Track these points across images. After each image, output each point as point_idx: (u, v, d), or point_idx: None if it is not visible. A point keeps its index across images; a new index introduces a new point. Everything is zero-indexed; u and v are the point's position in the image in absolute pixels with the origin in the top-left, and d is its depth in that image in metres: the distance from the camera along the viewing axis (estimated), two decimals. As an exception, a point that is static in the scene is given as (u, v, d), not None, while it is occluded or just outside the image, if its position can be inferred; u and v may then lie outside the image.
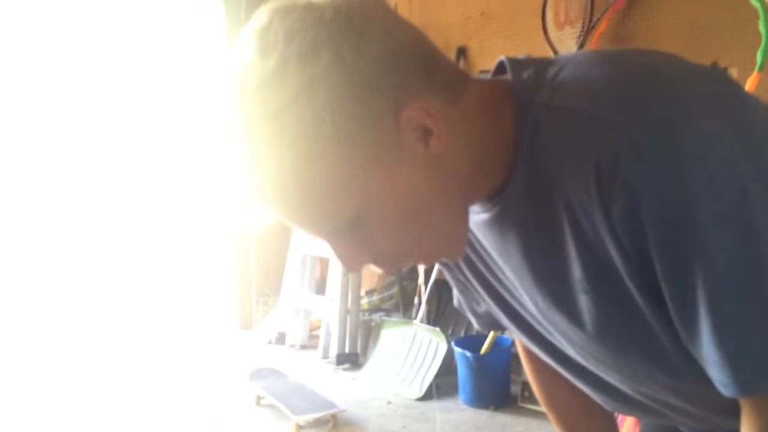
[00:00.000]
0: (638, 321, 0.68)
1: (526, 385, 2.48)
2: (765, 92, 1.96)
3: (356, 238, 0.69)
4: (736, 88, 0.69)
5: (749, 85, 1.93)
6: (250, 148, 0.64)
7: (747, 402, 0.64)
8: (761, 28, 1.92)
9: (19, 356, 3.22)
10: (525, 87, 0.70)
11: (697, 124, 0.59)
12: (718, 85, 0.67)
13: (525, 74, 0.71)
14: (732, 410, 0.66)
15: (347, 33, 0.63)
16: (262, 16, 0.66)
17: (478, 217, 0.76)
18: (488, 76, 0.78)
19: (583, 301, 0.70)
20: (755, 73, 1.93)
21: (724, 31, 2.09)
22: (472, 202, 0.75)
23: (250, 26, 0.66)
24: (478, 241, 0.81)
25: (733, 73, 2.08)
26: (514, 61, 0.73)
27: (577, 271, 0.68)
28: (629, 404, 0.84)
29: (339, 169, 0.64)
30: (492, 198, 0.73)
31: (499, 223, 0.74)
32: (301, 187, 0.65)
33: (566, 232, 0.67)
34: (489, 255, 0.81)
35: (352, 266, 0.72)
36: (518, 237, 0.73)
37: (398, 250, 0.72)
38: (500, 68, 0.76)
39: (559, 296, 0.73)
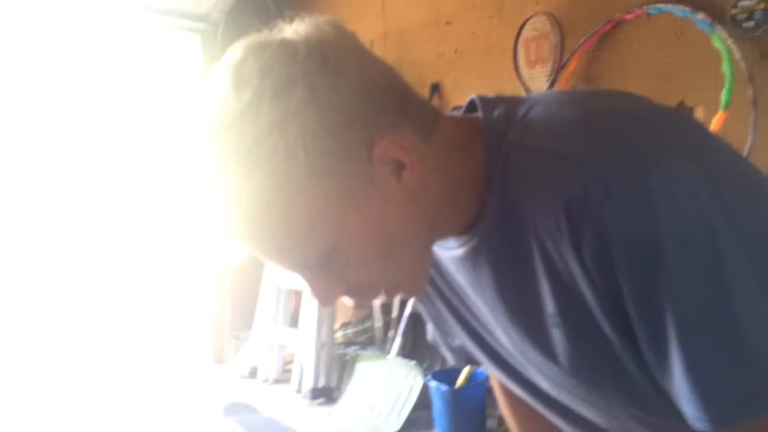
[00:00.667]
0: (610, 355, 0.69)
1: (501, 420, 2.47)
2: (730, 130, 2.03)
3: (330, 271, 0.70)
4: (700, 127, 0.72)
5: (715, 123, 1.99)
6: (223, 182, 0.65)
7: None
8: (724, 69, 1.99)
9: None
10: (496, 125, 0.72)
11: (665, 163, 0.61)
12: (683, 125, 0.70)
13: (495, 113, 0.73)
14: None
15: (321, 70, 0.64)
16: (236, 51, 0.67)
17: (450, 252, 0.78)
18: (459, 113, 0.80)
19: (556, 336, 0.71)
20: (720, 111, 2.00)
21: (690, 72, 2.17)
22: (441, 237, 0.76)
23: (224, 61, 0.67)
24: (451, 276, 0.82)
25: (699, 111, 2.15)
26: (484, 100, 0.76)
27: (549, 306, 0.70)
28: None
29: (312, 204, 0.65)
30: (464, 233, 0.75)
31: (472, 257, 0.75)
32: (274, 221, 0.66)
33: (538, 267, 0.68)
34: (462, 289, 0.82)
35: (327, 299, 0.72)
36: (491, 271, 0.74)
37: (371, 282, 0.73)
38: (471, 106, 0.78)
39: (532, 330, 0.74)
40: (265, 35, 0.68)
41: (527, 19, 2.59)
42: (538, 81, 2.57)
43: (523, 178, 0.68)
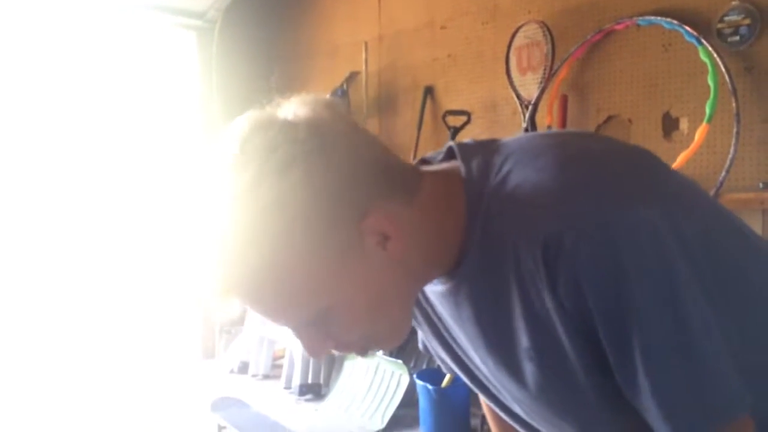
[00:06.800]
0: (576, 387, 0.79)
1: (485, 419, 2.52)
2: (713, 142, 2.08)
3: (321, 328, 0.77)
4: (665, 168, 0.79)
5: (698, 136, 2.04)
6: (226, 251, 0.71)
7: None
8: (710, 81, 2.04)
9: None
10: (475, 177, 0.80)
11: (631, 211, 0.69)
12: (649, 168, 0.78)
13: (474, 164, 0.79)
14: None
15: (318, 152, 0.71)
16: (242, 126, 0.73)
17: (435, 288, 0.85)
18: (439, 157, 0.86)
19: (528, 368, 0.80)
20: (704, 124, 2.05)
21: (676, 83, 2.22)
22: (425, 284, 0.83)
23: (230, 133, 0.74)
24: (437, 307, 0.89)
25: (683, 123, 2.20)
26: (462, 148, 0.83)
27: (524, 341, 0.78)
28: None
29: (309, 273, 0.72)
30: (447, 273, 0.81)
31: (454, 294, 0.83)
32: (274, 288, 0.73)
33: (515, 306, 0.76)
34: (446, 320, 0.89)
35: (317, 353, 0.80)
36: (471, 308, 0.82)
37: (358, 337, 0.79)
38: (450, 152, 0.85)
39: (508, 362, 0.82)
40: (269, 112, 0.74)
41: (519, 27, 2.63)
42: (529, 87, 2.62)
43: (502, 227, 0.75)
